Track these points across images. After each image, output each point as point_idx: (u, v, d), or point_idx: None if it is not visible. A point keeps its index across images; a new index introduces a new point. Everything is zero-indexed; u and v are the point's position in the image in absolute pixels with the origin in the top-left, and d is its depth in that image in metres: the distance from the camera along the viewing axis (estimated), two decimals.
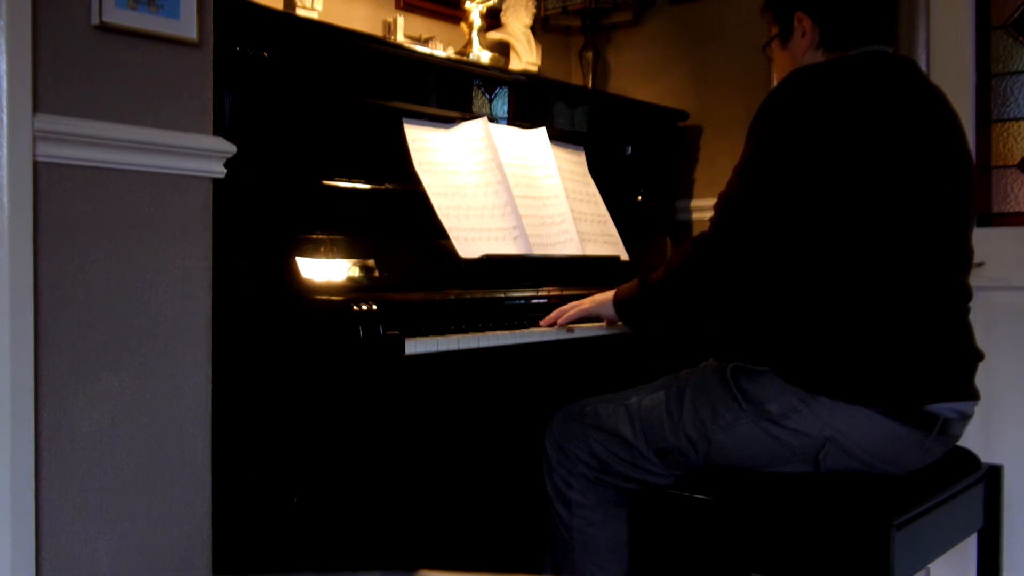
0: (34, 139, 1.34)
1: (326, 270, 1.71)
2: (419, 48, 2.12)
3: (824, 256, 1.53)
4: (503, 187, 2.07)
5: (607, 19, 2.96)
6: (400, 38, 2.39)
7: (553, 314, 1.87)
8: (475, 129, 2.11)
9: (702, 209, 2.83)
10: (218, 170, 1.56)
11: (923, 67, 2.44)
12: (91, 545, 1.43)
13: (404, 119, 2.02)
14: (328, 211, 1.82)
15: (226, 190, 1.60)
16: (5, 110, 1.31)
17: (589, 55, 2.94)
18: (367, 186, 1.92)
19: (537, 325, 1.87)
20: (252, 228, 1.69)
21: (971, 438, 1.87)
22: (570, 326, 1.87)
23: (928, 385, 1.54)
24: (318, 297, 1.61)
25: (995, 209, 2.51)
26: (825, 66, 1.59)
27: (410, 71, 2.03)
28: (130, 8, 1.43)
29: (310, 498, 1.64)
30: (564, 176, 2.29)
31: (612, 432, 1.71)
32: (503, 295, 1.91)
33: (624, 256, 2.34)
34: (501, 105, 2.24)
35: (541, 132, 2.28)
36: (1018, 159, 2.49)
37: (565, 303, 1.89)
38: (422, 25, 2.58)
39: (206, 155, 1.53)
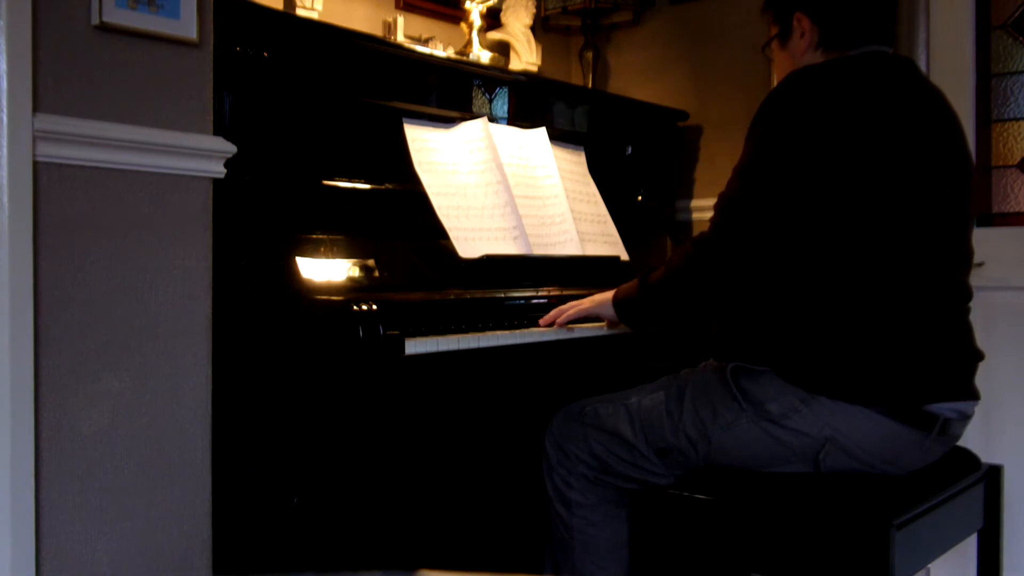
0: (34, 139, 1.34)
1: (326, 270, 1.71)
2: (419, 48, 2.12)
3: (824, 256, 1.53)
4: (503, 187, 2.07)
5: (607, 19, 2.96)
6: (400, 38, 2.39)
7: (552, 313, 1.87)
8: (475, 129, 2.11)
9: (702, 209, 2.84)
10: (218, 170, 1.56)
11: (923, 67, 2.44)
12: (91, 545, 1.43)
13: (404, 119, 2.02)
14: (328, 211, 1.82)
15: (226, 190, 1.60)
16: (5, 110, 1.31)
17: (589, 55, 2.94)
18: (367, 186, 1.92)
19: (537, 325, 1.87)
20: (252, 228, 1.69)
21: (971, 438, 1.87)
22: (570, 326, 1.87)
23: (928, 385, 1.54)
24: (318, 297, 1.61)
25: (995, 209, 2.51)
26: (825, 66, 1.59)
27: (410, 71, 2.03)
28: (130, 8, 1.43)
29: (310, 498, 1.64)
30: (564, 176, 2.29)
31: (612, 432, 1.71)
32: (503, 295, 1.91)
33: (624, 256, 2.34)
34: (501, 105, 2.24)
35: (541, 132, 2.28)
36: (1018, 159, 2.49)
37: (565, 303, 1.89)
38: (422, 25, 2.58)
39: (206, 155, 1.53)
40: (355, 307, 1.55)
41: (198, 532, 1.56)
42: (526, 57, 2.72)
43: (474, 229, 1.99)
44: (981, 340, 1.66)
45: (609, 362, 2.04)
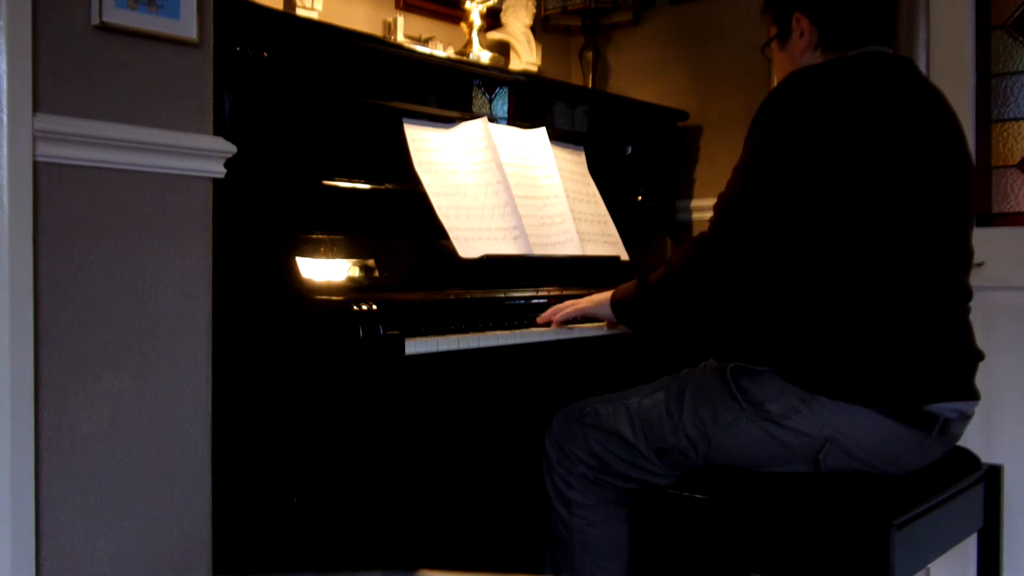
0: (34, 139, 1.34)
1: (326, 270, 1.71)
2: (419, 48, 2.12)
3: (824, 256, 1.53)
4: (503, 187, 2.07)
5: (607, 19, 2.96)
6: (400, 38, 2.39)
7: (548, 312, 1.87)
8: (475, 129, 2.11)
9: (702, 209, 2.84)
10: (218, 170, 1.56)
11: (923, 67, 2.44)
12: (91, 545, 1.43)
13: (404, 119, 2.02)
14: (328, 211, 1.82)
15: (226, 190, 1.60)
16: (5, 110, 1.31)
17: (589, 55, 2.94)
18: (367, 186, 1.92)
19: (537, 325, 1.87)
20: (252, 228, 1.69)
21: (971, 438, 1.87)
22: (570, 325, 1.87)
23: (928, 385, 1.54)
24: (318, 297, 1.61)
25: (995, 209, 2.51)
26: (824, 67, 1.59)
27: (410, 71, 2.03)
28: (130, 8, 1.43)
29: (310, 498, 1.64)
30: (564, 176, 2.29)
31: (612, 432, 1.71)
32: (503, 295, 1.91)
33: (624, 256, 2.34)
34: (501, 105, 2.24)
35: (541, 132, 2.28)
36: (1018, 159, 2.49)
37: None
38: (422, 25, 2.58)
39: (206, 155, 1.53)
40: (355, 307, 1.55)
41: (198, 532, 1.56)
42: (526, 57, 2.72)
43: (474, 229, 1.99)
44: (981, 340, 1.66)
45: (609, 362, 2.04)
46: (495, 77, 2.23)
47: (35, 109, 1.33)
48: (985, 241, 2.32)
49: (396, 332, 1.56)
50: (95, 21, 1.40)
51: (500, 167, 2.08)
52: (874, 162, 1.50)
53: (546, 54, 2.85)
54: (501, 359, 1.77)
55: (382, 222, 1.91)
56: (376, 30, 2.42)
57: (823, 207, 1.51)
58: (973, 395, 1.61)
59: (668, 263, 1.66)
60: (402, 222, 1.94)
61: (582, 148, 2.46)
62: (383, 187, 1.95)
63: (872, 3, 1.65)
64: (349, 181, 1.89)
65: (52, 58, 1.36)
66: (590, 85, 2.93)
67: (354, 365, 1.54)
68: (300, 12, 2.13)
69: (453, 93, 2.13)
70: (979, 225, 2.44)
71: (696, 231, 2.85)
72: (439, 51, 2.19)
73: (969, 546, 1.83)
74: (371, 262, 1.80)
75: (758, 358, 1.60)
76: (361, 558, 1.74)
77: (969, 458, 1.76)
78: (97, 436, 1.43)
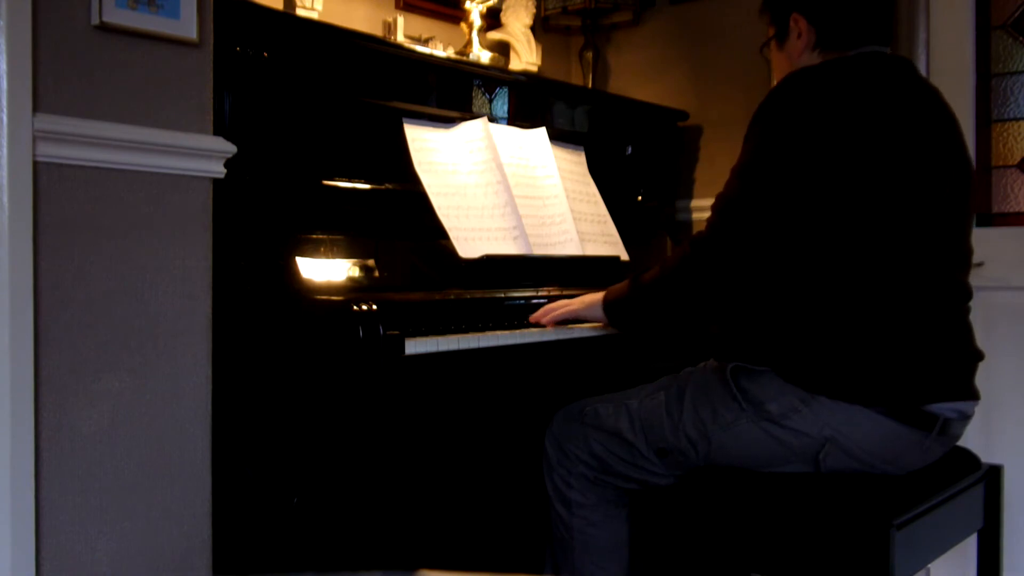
0: (34, 139, 1.34)
1: (326, 270, 1.71)
2: (419, 48, 2.12)
3: (823, 256, 1.53)
4: (503, 187, 2.07)
5: (607, 19, 2.96)
6: (400, 38, 2.39)
7: (539, 312, 1.86)
8: (475, 129, 2.11)
9: (702, 209, 2.83)
10: (218, 170, 1.56)
11: (923, 67, 2.44)
12: (91, 545, 1.43)
13: (404, 119, 2.02)
14: (328, 211, 1.82)
15: (226, 190, 1.60)
16: (5, 110, 1.31)
17: (589, 55, 2.94)
18: (367, 186, 1.92)
19: (537, 325, 1.87)
20: (252, 228, 1.69)
21: (971, 438, 1.87)
22: (570, 325, 1.87)
23: (928, 385, 1.54)
24: (318, 297, 1.61)
25: (995, 209, 2.51)
26: (823, 67, 1.59)
27: (410, 71, 2.03)
28: (130, 8, 1.43)
29: (310, 498, 1.64)
30: (564, 176, 2.29)
31: (612, 432, 1.71)
32: (503, 295, 1.91)
33: (624, 256, 2.34)
34: (501, 105, 2.24)
35: (541, 132, 2.28)
36: (1018, 159, 2.49)
37: None
38: (422, 25, 2.58)
39: (206, 155, 1.53)
40: (355, 307, 1.55)
41: (198, 532, 1.56)
42: (526, 57, 2.72)
43: (474, 229, 1.99)
44: (981, 340, 1.66)
45: (609, 362, 2.04)
46: (495, 77, 2.23)
47: (35, 109, 1.33)
48: (985, 241, 2.32)
49: (396, 332, 1.56)
50: (95, 21, 1.40)
51: (500, 167, 2.08)
52: (873, 162, 1.50)
53: (546, 54, 2.85)
54: (501, 359, 1.77)
55: (382, 222, 1.91)
56: (376, 30, 2.42)
57: (822, 207, 1.51)
58: (973, 395, 1.61)
59: (663, 263, 1.66)
60: (402, 222, 1.94)
61: (582, 148, 2.47)
62: (383, 187, 1.95)
63: (870, 3, 1.65)
64: (349, 181, 1.89)
65: (52, 58, 1.36)
66: (590, 85, 2.93)
67: (354, 365, 1.54)
68: (300, 12, 2.13)
69: (453, 93, 2.13)
70: (979, 225, 2.44)
71: (696, 231, 2.84)
72: (439, 51, 2.19)
73: (969, 546, 1.83)
74: (371, 262, 1.80)
75: (758, 358, 1.60)
76: (361, 558, 1.74)
77: (969, 458, 1.76)
78: (97, 436, 1.43)
